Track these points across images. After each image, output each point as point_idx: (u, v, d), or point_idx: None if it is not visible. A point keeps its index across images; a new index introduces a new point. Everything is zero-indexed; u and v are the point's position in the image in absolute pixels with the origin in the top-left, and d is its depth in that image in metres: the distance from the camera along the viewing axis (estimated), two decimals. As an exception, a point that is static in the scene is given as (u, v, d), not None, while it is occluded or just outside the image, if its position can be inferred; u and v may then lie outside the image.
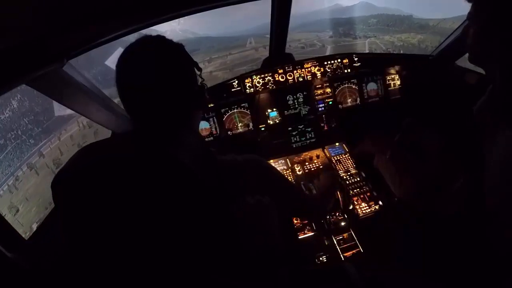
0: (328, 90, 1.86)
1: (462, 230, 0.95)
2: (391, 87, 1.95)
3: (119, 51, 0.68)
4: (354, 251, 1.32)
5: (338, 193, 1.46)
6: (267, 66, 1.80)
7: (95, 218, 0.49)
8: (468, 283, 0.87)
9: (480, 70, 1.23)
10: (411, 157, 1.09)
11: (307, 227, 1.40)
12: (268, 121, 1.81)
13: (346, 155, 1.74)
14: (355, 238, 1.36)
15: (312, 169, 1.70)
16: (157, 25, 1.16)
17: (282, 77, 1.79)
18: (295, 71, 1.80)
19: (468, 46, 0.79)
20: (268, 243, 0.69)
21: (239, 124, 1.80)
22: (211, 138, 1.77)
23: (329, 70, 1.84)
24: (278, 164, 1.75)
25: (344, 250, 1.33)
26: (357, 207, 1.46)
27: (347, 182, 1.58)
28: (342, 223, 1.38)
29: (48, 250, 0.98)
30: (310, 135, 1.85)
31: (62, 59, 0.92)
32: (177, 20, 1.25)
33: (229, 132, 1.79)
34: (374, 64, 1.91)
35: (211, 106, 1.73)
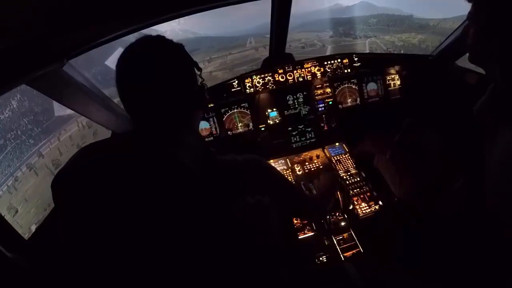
0: (328, 90, 1.86)
1: (462, 230, 0.95)
2: (391, 87, 1.95)
3: (119, 51, 0.67)
4: (354, 251, 1.32)
5: (338, 193, 1.46)
6: (267, 66, 1.80)
7: (95, 218, 0.49)
8: (468, 283, 0.87)
9: (480, 70, 1.23)
10: (411, 157, 1.09)
11: (307, 227, 1.40)
12: (268, 121, 1.81)
13: (346, 155, 1.74)
14: (355, 238, 1.36)
15: (312, 169, 1.70)
16: (157, 25, 1.16)
17: (282, 77, 1.79)
18: (295, 71, 1.80)
19: (468, 46, 0.79)
20: (268, 243, 0.69)
21: (239, 124, 1.80)
22: (211, 138, 1.77)
23: (329, 70, 1.84)
24: (278, 164, 1.75)
25: (344, 250, 1.33)
26: (357, 207, 1.46)
27: (347, 182, 1.58)
28: (342, 223, 1.38)
29: (48, 250, 0.98)
30: (310, 135, 1.85)
31: (62, 59, 0.92)
32: (177, 20, 1.25)
33: (229, 132, 1.79)
34: (374, 64, 1.91)
35: (211, 106, 1.73)
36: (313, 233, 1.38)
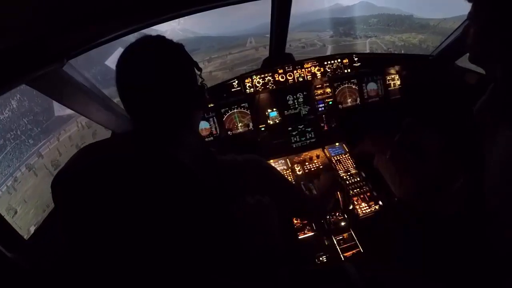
0: (328, 90, 1.86)
1: (462, 230, 0.95)
2: (391, 87, 1.95)
3: (119, 51, 0.67)
4: (354, 251, 1.32)
5: (338, 193, 1.45)
6: (267, 66, 1.80)
7: (95, 219, 0.49)
8: (468, 283, 0.87)
9: (480, 70, 1.23)
10: (411, 157, 1.09)
11: (307, 227, 1.40)
12: (268, 121, 1.81)
13: (346, 155, 1.74)
14: (355, 238, 1.36)
15: (312, 169, 1.70)
16: (157, 25, 1.16)
17: (282, 77, 1.79)
18: (295, 71, 1.80)
19: (468, 46, 0.79)
20: (268, 243, 0.69)
21: (239, 124, 1.80)
22: (211, 138, 1.77)
23: (329, 70, 1.84)
24: (278, 164, 1.75)
25: (344, 250, 1.33)
26: (357, 207, 1.46)
27: (347, 182, 1.58)
28: (342, 223, 1.38)
29: (48, 250, 0.98)
30: (310, 135, 1.85)
31: (62, 59, 0.92)
32: (177, 20, 1.25)
33: (229, 132, 1.79)
34: (374, 64, 1.91)
35: (211, 106, 1.73)
36: (313, 233, 1.38)
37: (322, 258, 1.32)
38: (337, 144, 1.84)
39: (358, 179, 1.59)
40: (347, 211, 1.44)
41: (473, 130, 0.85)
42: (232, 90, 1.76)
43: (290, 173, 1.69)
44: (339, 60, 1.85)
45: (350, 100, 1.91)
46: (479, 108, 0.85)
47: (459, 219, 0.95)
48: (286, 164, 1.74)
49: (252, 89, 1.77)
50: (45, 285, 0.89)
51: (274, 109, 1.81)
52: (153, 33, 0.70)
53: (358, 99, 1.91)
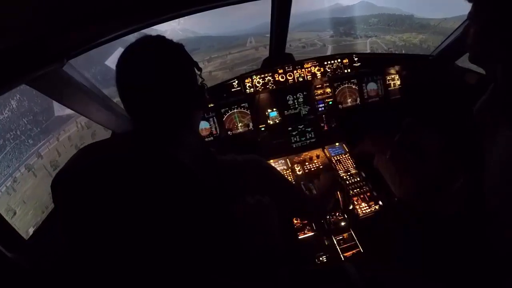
0: (328, 90, 1.86)
1: (462, 230, 0.95)
2: (391, 87, 1.95)
3: (119, 51, 0.67)
4: (354, 251, 1.32)
5: (338, 193, 1.45)
6: (267, 66, 1.80)
7: (95, 219, 0.49)
8: (468, 283, 0.87)
9: (480, 70, 1.23)
10: (411, 157, 1.09)
11: (307, 227, 1.40)
12: (268, 121, 1.81)
13: (346, 155, 1.74)
14: (355, 238, 1.36)
15: (312, 169, 1.70)
16: (157, 25, 1.16)
17: (282, 77, 1.79)
18: (295, 71, 1.80)
19: (468, 46, 0.79)
20: (268, 243, 0.69)
21: (239, 124, 1.80)
22: (211, 138, 1.77)
23: (329, 70, 1.84)
24: (278, 164, 1.75)
25: (344, 250, 1.33)
26: (357, 207, 1.46)
27: (347, 182, 1.58)
28: (342, 223, 1.38)
29: (48, 250, 0.98)
30: (310, 135, 1.85)
31: (62, 59, 0.92)
32: (177, 19, 1.24)
33: (229, 132, 1.79)
34: (374, 64, 1.91)
35: (211, 106, 1.73)
36: (313, 233, 1.38)
37: (322, 258, 1.32)
38: (337, 144, 1.84)
39: (358, 179, 1.59)
40: (347, 211, 1.44)
41: (473, 130, 0.85)
42: (232, 90, 1.76)
43: (290, 173, 1.69)
44: (339, 60, 1.85)
45: (350, 100, 1.91)
46: (479, 108, 0.85)
47: (459, 219, 0.95)
48: (286, 164, 1.74)
49: (252, 89, 1.77)
50: (45, 285, 0.89)
51: (274, 109, 1.81)
52: (153, 33, 0.70)
53: (358, 99, 1.91)
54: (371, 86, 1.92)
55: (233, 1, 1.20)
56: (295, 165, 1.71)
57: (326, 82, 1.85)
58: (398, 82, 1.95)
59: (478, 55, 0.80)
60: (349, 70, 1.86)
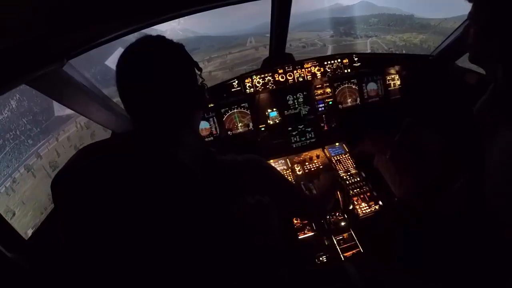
0: (328, 90, 1.86)
1: (462, 230, 0.95)
2: (391, 87, 1.95)
3: (119, 51, 0.67)
4: (354, 251, 1.32)
5: (338, 193, 1.45)
6: (267, 66, 1.80)
7: (95, 219, 0.49)
8: (468, 283, 0.87)
9: (480, 70, 1.23)
10: (411, 157, 1.09)
11: (307, 227, 1.40)
12: (268, 121, 1.81)
13: (346, 155, 1.74)
14: (355, 238, 1.36)
15: (312, 169, 1.70)
16: (157, 25, 1.16)
17: (282, 77, 1.79)
18: (295, 71, 1.80)
19: (468, 46, 0.79)
20: (268, 243, 0.69)
21: (239, 124, 1.80)
22: (211, 138, 1.77)
23: (329, 70, 1.84)
24: (278, 164, 1.75)
25: (344, 250, 1.33)
26: (357, 207, 1.46)
27: (347, 182, 1.58)
28: (342, 223, 1.38)
29: (48, 250, 0.98)
30: (310, 135, 1.85)
31: (62, 59, 0.92)
32: (177, 19, 1.24)
33: (229, 132, 1.79)
34: (374, 64, 1.91)
35: (211, 106, 1.73)
36: (313, 233, 1.38)
37: (322, 258, 1.32)
38: (337, 144, 1.84)
39: (358, 179, 1.59)
40: (347, 211, 1.44)
41: (473, 130, 0.85)
42: (232, 90, 1.76)
43: (290, 173, 1.69)
44: (339, 60, 1.85)
45: (350, 100, 1.91)
46: (479, 108, 0.85)
47: (459, 219, 0.95)
48: (286, 164, 1.74)
49: (252, 89, 1.77)
50: (45, 285, 0.89)
51: (274, 109, 1.81)
52: (153, 33, 0.70)
53: (358, 99, 1.91)
54: (371, 86, 1.92)
55: (233, 1, 1.20)
56: (295, 165, 1.71)
57: (326, 82, 1.85)
58: (398, 82, 1.95)
59: (478, 55, 0.80)
60: (349, 70, 1.86)
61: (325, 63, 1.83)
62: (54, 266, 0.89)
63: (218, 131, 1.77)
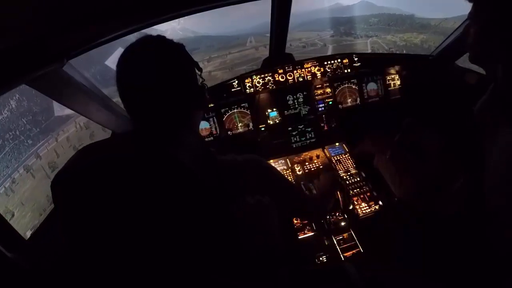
0: (328, 90, 1.86)
1: (462, 230, 0.95)
2: (391, 87, 1.95)
3: (119, 51, 0.67)
4: (354, 251, 1.32)
5: (338, 193, 1.45)
6: (267, 66, 1.80)
7: (95, 219, 0.49)
8: (468, 283, 0.87)
9: (480, 70, 1.23)
10: (411, 157, 1.09)
11: (307, 227, 1.40)
12: (268, 121, 1.81)
13: (346, 155, 1.74)
14: (355, 238, 1.36)
15: (312, 169, 1.70)
16: (157, 25, 1.16)
17: (282, 77, 1.79)
18: (295, 71, 1.80)
19: (468, 45, 0.79)
20: (268, 243, 0.69)
21: (239, 124, 1.80)
22: (211, 138, 1.77)
23: (329, 70, 1.84)
24: (278, 164, 1.75)
25: (344, 250, 1.33)
26: (357, 207, 1.46)
27: (347, 182, 1.58)
28: (342, 223, 1.39)
29: (48, 250, 0.98)
30: (310, 135, 1.85)
31: (62, 59, 0.92)
32: (177, 19, 1.25)
33: (229, 132, 1.79)
34: (374, 64, 1.91)
35: (211, 106, 1.73)
36: (313, 233, 1.38)
37: (322, 258, 1.32)
38: (337, 144, 1.84)
39: (358, 179, 1.59)
40: (347, 211, 1.44)
41: (473, 130, 0.85)
42: (232, 90, 1.76)
43: (290, 173, 1.69)
44: (339, 60, 1.85)
45: (350, 100, 1.91)
46: (479, 108, 0.86)
47: (459, 219, 0.95)
48: (286, 164, 1.74)
49: (252, 89, 1.77)
50: (45, 285, 0.89)
51: (274, 109, 1.81)
52: (153, 33, 0.70)
53: (358, 99, 1.91)
54: (371, 86, 1.92)
55: (233, 1, 1.20)
56: (295, 165, 1.71)
57: (326, 82, 1.85)
58: (398, 82, 1.95)
59: (478, 55, 0.80)
60: (349, 70, 1.86)
61: (325, 63, 1.83)
62: (54, 266, 0.89)
63: (218, 131, 1.77)
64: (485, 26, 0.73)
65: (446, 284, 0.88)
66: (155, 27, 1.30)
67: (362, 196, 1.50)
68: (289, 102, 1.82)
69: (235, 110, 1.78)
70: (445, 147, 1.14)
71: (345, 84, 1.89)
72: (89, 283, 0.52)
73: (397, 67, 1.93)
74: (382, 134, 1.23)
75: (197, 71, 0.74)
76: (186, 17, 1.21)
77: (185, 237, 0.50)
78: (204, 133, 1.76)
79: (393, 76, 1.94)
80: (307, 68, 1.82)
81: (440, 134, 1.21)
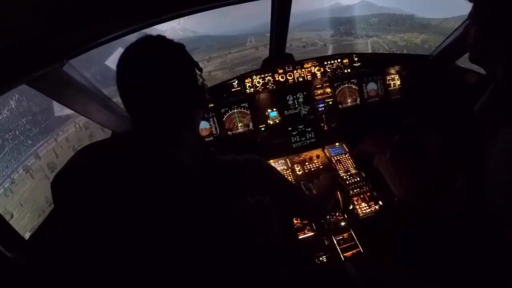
0: (328, 90, 1.86)
1: (462, 230, 0.95)
2: (391, 87, 1.95)
3: (119, 51, 0.67)
4: (354, 251, 1.32)
5: (338, 193, 1.45)
6: (267, 66, 1.80)
7: (95, 219, 0.49)
8: (468, 283, 0.87)
9: (480, 70, 1.23)
10: (411, 157, 1.09)
11: (307, 227, 1.40)
12: (268, 121, 1.81)
13: (346, 155, 1.74)
14: (355, 238, 1.36)
15: (312, 169, 1.70)
16: (157, 25, 1.16)
17: (282, 77, 1.79)
18: (295, 71, 1.80)
19: (468, 45, 0.79)
20: (268, 243, 0.69)
21: (239, 124, 1.80)
22: (211, 138, 1.77)
23: (329, 70, 1.84)
24: (278, 164, 1.75)
25: (344, 250, 1.33)
26: (357, 207, 1.46)
27: (347, 182, 1.58)
28: (342, 223, 1.39)
29: (48, 250, 0.98)
30: (310, 135, 1.85)
31: (62, 59, 0.92)
32: (177, 19, 1.25)
33: (229, 132, 1.79)
34: (374, 64, 1.91)
35: (211, 106, 1.73)
36: (313, 233, 1.38)
37: (322, 258, 1.32)
38: (337, 144, 1.84)
39: (358, 179, 1.59)
40: (347, 211, 1.44)
41: (473, 130, 0.85)
42: (232, 90, 1.76)
43: (290, 173, 1.69)
44: (339, 60, 1.85)
45: (350, 100, 1.91)
46: (479, 108, 0.85)
47: (459, 219, 0.95)
48: (286, 164, 1.74)
49: (252, 89, 1.77)
50: (45, 285, 0.89)
51: (274, 109, 1.81)
52: (153, 33, 0.70)
53: (358, 99, 1.91)
54: (371, 86, 1.92)
55: (233, 1, 1.20)
56: (295, 165, 1.72)
57: (326, 82, 1.85)
58: (398, 82, 1.95)
59: (478, 55, 0.80)
60: (349, 70, 1.86)
61: (325, 63, 1.83)
62: (54, 266, 0.89)
63: (218, 131, 1.77)
64: (485, 26, 0.73)
65: (446, 284, 0.88)
66: (155, 27, 1.30)
67: (362, 196, 1.50)
68: (289, 102, 1.82)
69: (235, 110, 1.78)
70: (445, 147, 1.14)
71: (345, 84, 1.89)
72: (89, 283, 0.52)
73: (397, 67, 1.93)
74: (382, 134, 1.23)
75: (197, 71, 0.74)
76: (186, 17, 1.21)
77: (185, 237, 0.50)
78: (204, 133, 1.76)
79: (393, 76, 1.94)
80: (307, 68, 1.82)
81: (440, 134, 1.21)
